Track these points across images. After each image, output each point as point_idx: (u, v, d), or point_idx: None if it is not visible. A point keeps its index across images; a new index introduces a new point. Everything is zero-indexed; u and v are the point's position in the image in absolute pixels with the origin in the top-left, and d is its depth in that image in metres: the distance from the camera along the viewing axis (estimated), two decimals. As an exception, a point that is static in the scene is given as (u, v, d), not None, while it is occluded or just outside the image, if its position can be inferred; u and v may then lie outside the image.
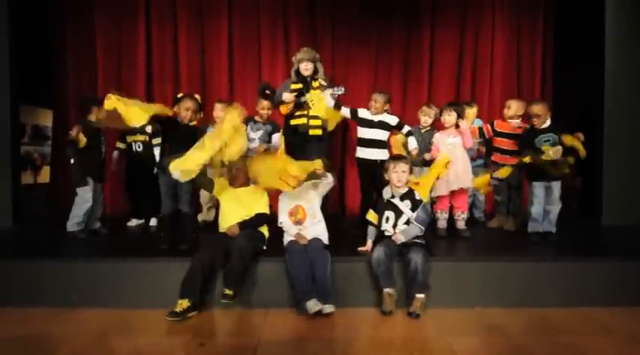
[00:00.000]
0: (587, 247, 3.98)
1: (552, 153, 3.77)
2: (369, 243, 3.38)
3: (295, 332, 2.77)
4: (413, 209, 3.28)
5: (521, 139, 4.10)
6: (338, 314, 2.99)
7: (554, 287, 3.22)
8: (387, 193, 3.39)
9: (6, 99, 4.81)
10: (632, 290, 3.24)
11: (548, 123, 3.95)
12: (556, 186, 3.95)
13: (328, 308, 2.93)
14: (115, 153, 4.74)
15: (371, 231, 3.43)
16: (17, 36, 4.96)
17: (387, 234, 3.30)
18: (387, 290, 3.04)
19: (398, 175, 3.29)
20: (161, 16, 5.81)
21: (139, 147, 4.58)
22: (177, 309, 2.89)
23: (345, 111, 4.17)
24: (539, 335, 2.73)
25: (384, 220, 3.33)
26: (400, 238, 3.20)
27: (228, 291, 2.94)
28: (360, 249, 3.39)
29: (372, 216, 3.42)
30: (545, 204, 3.97)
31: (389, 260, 3.09)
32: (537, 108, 3.91)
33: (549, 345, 2.59)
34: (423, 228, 3.26)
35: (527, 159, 3.88)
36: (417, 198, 3.34)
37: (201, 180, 3.34)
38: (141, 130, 4.51)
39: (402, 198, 3.32)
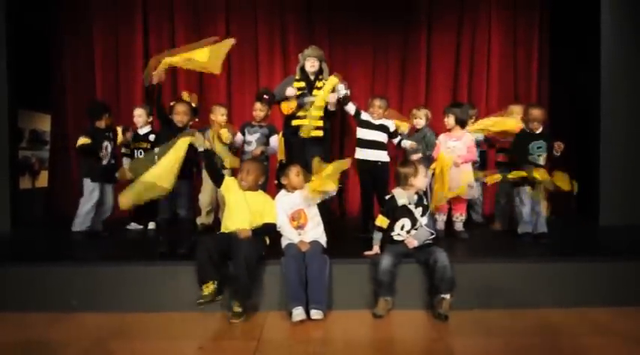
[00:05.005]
0: (584, 247, 3.99)
1: (542, 160, 3.89)
2: (376, 248, 3.34)
3: (294, 334, 2.77)
4: (422, 214, 3.30)
5: (515, 144, 4.07)
6: (337, 316, 3.00)
7: (552, 288, 3.23)
8: (401, 197, 3.31)
9: (4, 103, 4.81)
10: (630, 290, 3.24)
11: (540, 128, 3.96)
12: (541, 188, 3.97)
13: (315, 315, 2.90)
14: (125, 161, 4.80)
15: (378, 236, 3.36)
16: (15, 40, 4.97)
17: (398, 238, 3.26)
18: (385, 298, 3.03)
19: (426, 180, 3.31)
20: (158, 20, 5.83)
21: (141, 154, 4.62)
22: (205, 292, 2.90)
23: (351, 108, 4.16)
24: (538, 336, 2.73)
25: (397, 226, 3.27)
26: (414, 243, 3.17)
27: (237, 309, 2.92)
28: (366, 253, 3.33)
29: (381, 221, 3.33)
30: (532, 205, 3.98)
31: (396, 270, 3.08)
32: (538, 113, 3.91)
33: (548, 346, 2.60)
34: (433, 232, 3.27)
35: (521, 174, 3.90)
36: (425, 203, 3.36)
37: (213, 172, 3.43)
38: (144, 138, 4.57)
39: (417, 205, 3.30)
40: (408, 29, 5.93)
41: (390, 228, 3.29)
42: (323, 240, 3.35)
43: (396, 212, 3.30)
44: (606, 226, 4.86)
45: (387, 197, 3.41)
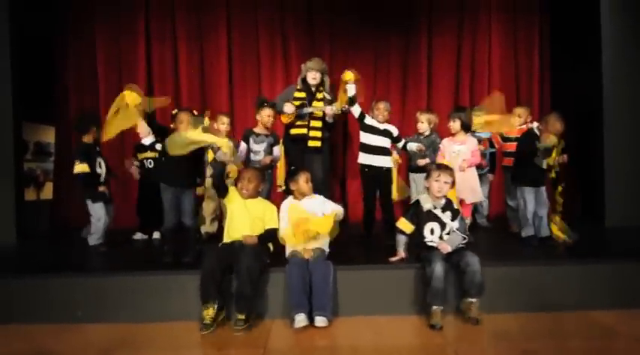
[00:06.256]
0: (591, 249, 3.96)
1: (543, 164, 3.94)
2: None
3: (299, 341, 2.76)
4: (453, 219, 3.27)
5: (522, 143, 4.14)
6: (342, 322, 2.99)
7: (558, 291, 3.20)
8: (426, 202, 3.29)
9: (9, 116, 4.84)
10: (637, 292, 3.22)
11: None
12: (543, 190, 4.00)
13: (320, 322, 2.88)
14: (133, 167, 4.76)
15: (401, 240, 3.35)
16: (19, 53, 5.01)
17: (431, 244, 3.21)
18: (439, 307, 2.95)
19: (439, 185, 3.24)
20: (161, 31, 5.87)
21: (150, 163, 4.63)
22: (207, 321, 2.87)
23: (357, 111, 4.16)
24: (545, 340, 2.71)
25: (427, 231, 3.24)
26: (447, 248, 3.13)
27: (240, 316, 2.91)
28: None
29: (404, 225, 3.31)
30: (535, 207, 3.97)
31: (446, 277, 3.02)
32: (561, 127, 3.90)
33: (555, 350, 2.58)
34: (466, 237, 3.24)
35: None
36: (455, 207, 3.33)
37: (221, 184, 3.42)
38: (151, 147, 4.56)
39: (444, 209, 3.28)
40: (408, 33, 5.95)
41: (419, 233, 3.27)
42: (326, 248, 3.33)
43: (420, 217, 3.28)
44: (612, 227, 4.83)
45: (413, 202, 3.43)
